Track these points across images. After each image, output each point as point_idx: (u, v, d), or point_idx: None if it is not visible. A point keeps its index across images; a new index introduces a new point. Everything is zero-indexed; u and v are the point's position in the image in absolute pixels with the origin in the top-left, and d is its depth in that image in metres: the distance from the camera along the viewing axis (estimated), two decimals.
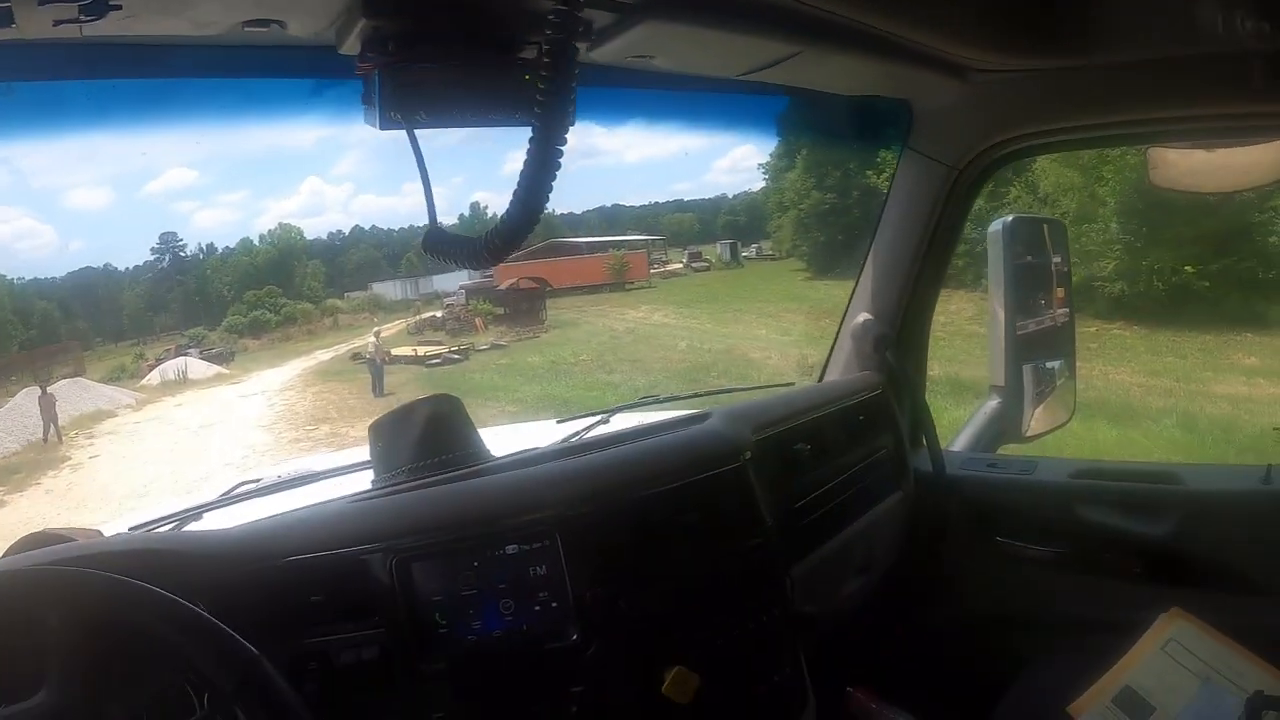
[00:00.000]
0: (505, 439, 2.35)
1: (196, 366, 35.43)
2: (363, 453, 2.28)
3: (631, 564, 1.86)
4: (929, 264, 2.90)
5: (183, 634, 1.31)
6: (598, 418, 2.52)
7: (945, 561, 2.86)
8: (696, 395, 3.55)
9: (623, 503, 1.89)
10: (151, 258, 69.72)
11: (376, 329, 30.76)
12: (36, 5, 1.10)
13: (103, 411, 29.44)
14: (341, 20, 1.41)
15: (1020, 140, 2.71)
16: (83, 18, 1.15)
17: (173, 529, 2.01)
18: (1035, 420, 3.02)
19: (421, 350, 30.22)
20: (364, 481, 2.14)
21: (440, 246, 1.57)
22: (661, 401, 2.96)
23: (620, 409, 2.64)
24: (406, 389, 24.72)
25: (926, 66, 2.22)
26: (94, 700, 1.28)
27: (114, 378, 37.10)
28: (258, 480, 2.39)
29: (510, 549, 1.75)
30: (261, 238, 72.05)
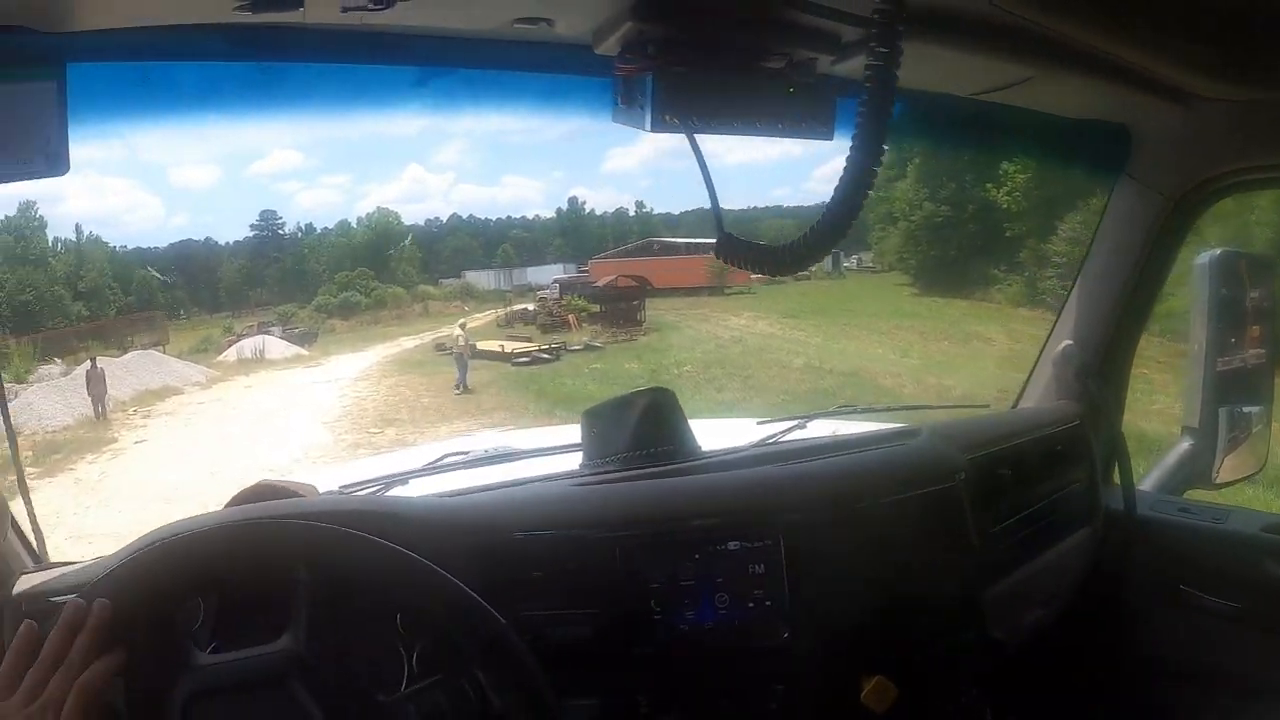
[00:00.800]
0: (701, 434, 2.20)
1: (275, 346, 33.45)
2: (548, 434, 2.78)
3: (845, 572, 1.83)
4: (1138, 295, 2.73)
5: (434, 599, 1.35)
6: (795, 422, 2.46)
7: (1126, 603, 2.67)
8: (891, 409, 3.28)
9: (843, 512, 1.86)
10: (251, 234, 70.10)
11: (463, 320, 28.10)
12: None
13: (169, 388, 27.31)
14: (606, 21, 1.43)
15: (1243, 173, 2.54)
16: (370, 6, 1.19)
17: (378, 491, 2.04)
18: (1226, 467, 2.72)
19: (509, 346, 27.34)
20: (567, 463, 2.16)
21: (737, 251, 1.54)
22: (859, 412, 2.80)
23: (817, 416, 2.57)
24: (489, 390, 22.16)
25: (1151, 92, 2.16)
26: (331, 650, 1.32)
27: (200, 349, 35.98)
28: (465, 453, 2.40)
29: (732, 545, 1.75)
30: (359, 220, 72.70)
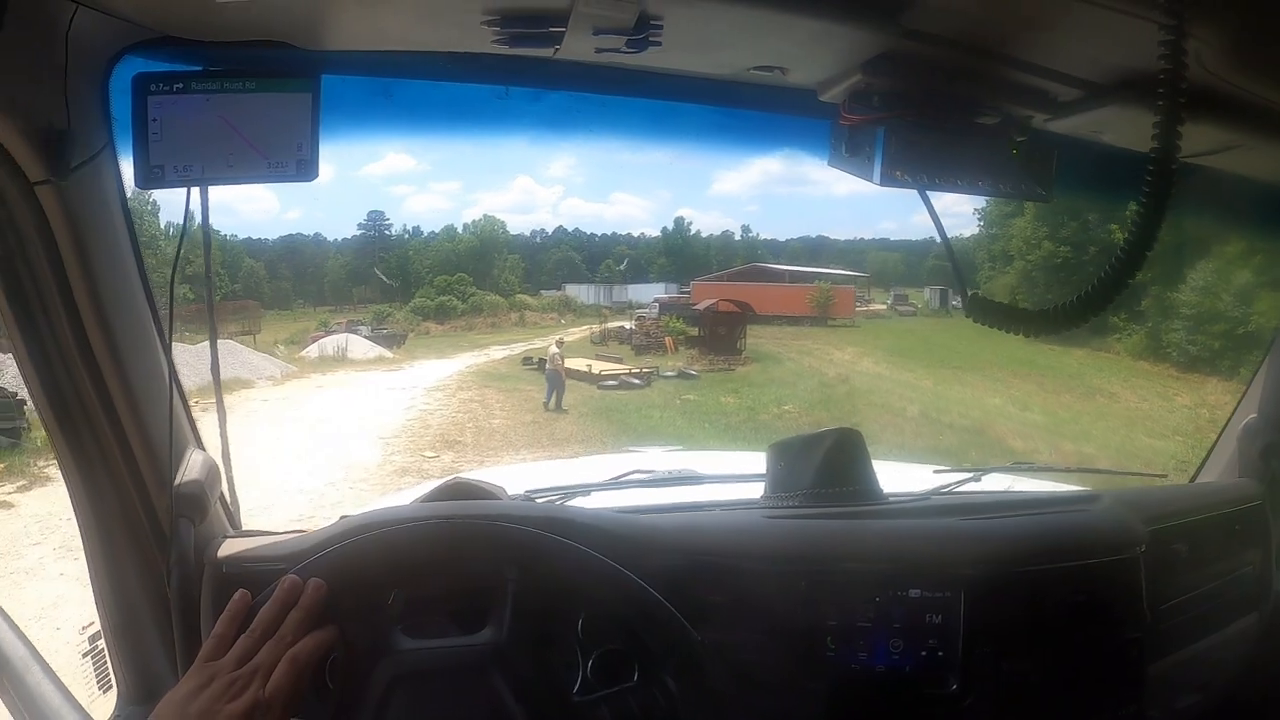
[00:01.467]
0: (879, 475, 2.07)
1: (359, 345, 31.78)
2: (727, 459, 2.95)
3: (1020, 630, 1.78)
4: None
5: (637, 612, 1.41)
6: (971, 474, 2.33)
7: None
8: (1069, 470, 2.81)
9: (1024, 572, 1.79)
10: (358, 233, 71.55)
11: (560, 338, 25.72)
12: (590, 34, 1.19)
13: (239, 380, 25.43)
14: (836, 72, 1.41)
15: None
16: (624, 49, 1.24)
17: (562, 499, 2.06)
18: None
19: (597, 367, 24.92)
20: (747, 491, 2.14)
21: (989, 312, 1.42)
22: (1036, 470, 2.78)
23: (993, 470, 2.43)
24: (567, 416, 19.83)
25: None
26: (529, 647, 1.37)
27: (291, 341, 34.88)
28: (649, 471, 2.45)
29: (913, 593, 1.72)
30: (465, 227, 73.78)
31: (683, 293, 51.23)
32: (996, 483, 2.42)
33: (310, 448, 16.71)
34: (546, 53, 1.29)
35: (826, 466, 1.94)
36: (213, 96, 1.22)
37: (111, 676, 1.57)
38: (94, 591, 1.51)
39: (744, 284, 46.83)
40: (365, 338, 32.92)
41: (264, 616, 1.23)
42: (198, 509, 1.50)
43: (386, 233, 72.06)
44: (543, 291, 65.39)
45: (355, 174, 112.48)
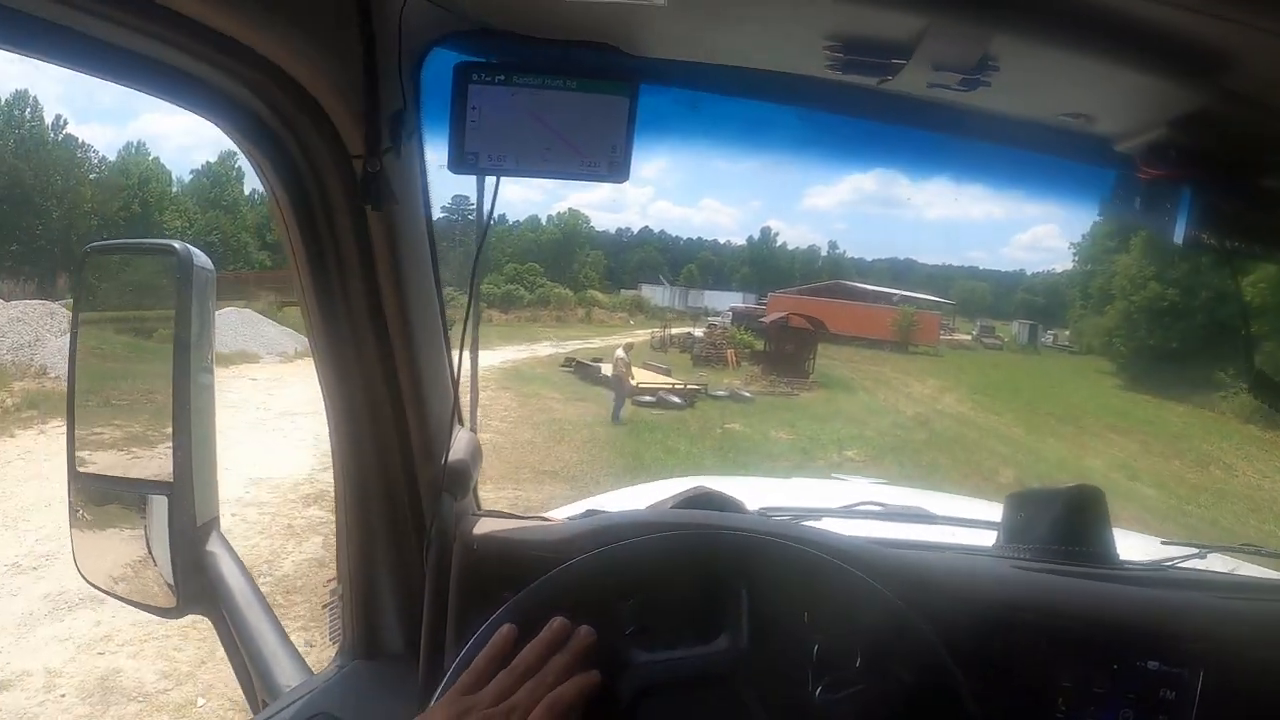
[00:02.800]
0: None
1: None
2: (958, 503, 2.60)
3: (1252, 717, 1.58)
4: None
5: (900, 638, 1.29)
6: (1195, 550, 2.02)
7: None
8: None
9: (1264, 658, 1.57)
10: (440, 215, 71.01)
11: (628, 341, 21.99)
12: (930, 69, 1.14)
13: (245, 354, 23.17)
14: (1141, 124, 1.30)
15: None
16: (956, 87, 1.18)
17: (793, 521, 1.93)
18: None
19: (638, 377, 20.81)
20: (975, 538, 2.00)
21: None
22: (1265, 555, 2.33)
23: (1218, 548, 2.08)
24: (572, 438, 15.85)
25: None
26: (768, 653, 1.26)
27: None
28: (882, 505, 2.33)
29: (1151, 664, 1.56)
30: (550, 219, 72.22)
31: (760, 303, 48.45)
32: (1222, 563, 2.09)
33: (268, 447, 13.45)
34: (870, 82, 1.23)
35: (1066, 523, 1.77)
36: (532, 91, 1.19)
37: (341, 628, 1.53)
38: (339, 548, 1.48)
39: (824, 300, 43.38)
40: None
41: (527, 656, 1.15)
42: (461, 486, 1.44)
43: (469, 217, 69.53)
44: (623, 290, 63.47)
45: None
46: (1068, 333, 47.71)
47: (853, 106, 1.36)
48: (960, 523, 2.18)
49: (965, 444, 18.29)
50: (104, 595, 1.60)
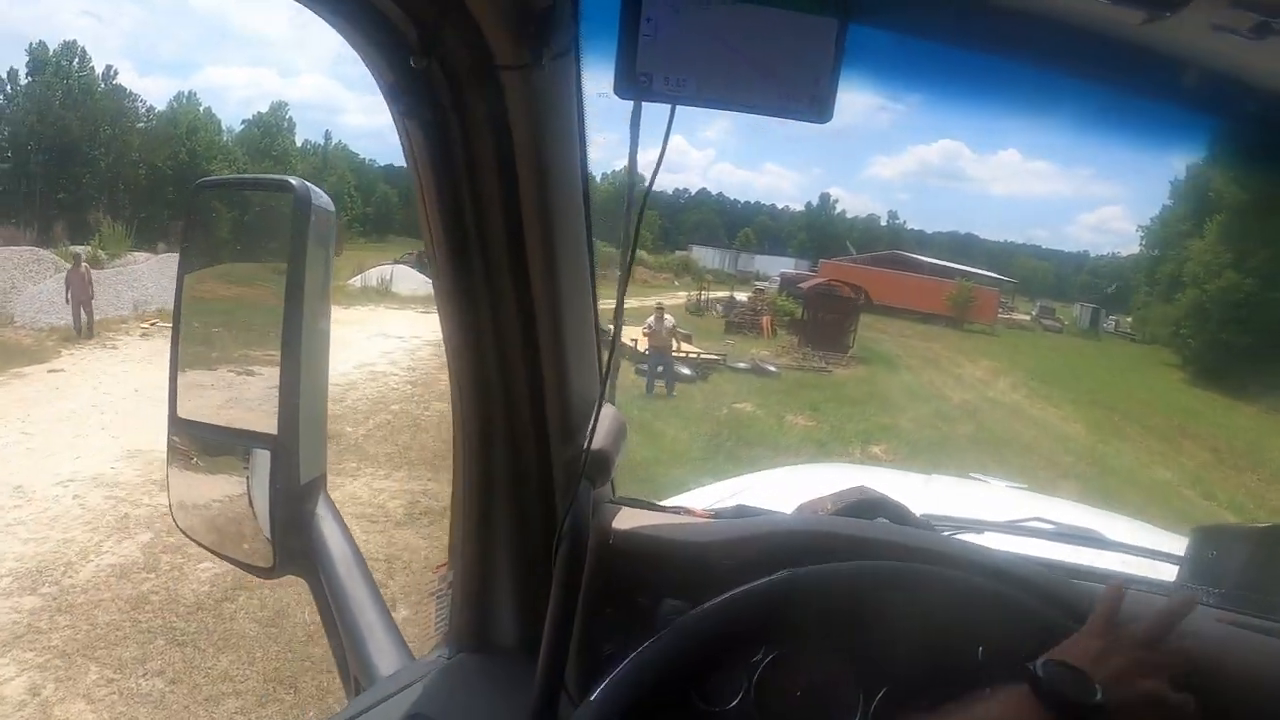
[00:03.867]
0: None
1: (408, 280, 27.17)
2: (1129, 528, 2.33)
3: None
4: None
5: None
6: None
7: None
8: None
9: None
10: None
11: (659, 302, 19.39)
12: (1226, 5, 0.87)
13: None
14: None
15: None
16: (1246, 33, 0.89)
17: (953, 532, 1.74)
18: None
19: (644, 342, 17.76)
20: (1149, 569, 1.80)
21: None
22: None
23: None
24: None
25: None
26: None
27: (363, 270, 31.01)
28: (1052, 522, 2.04)
29: None
30: (604, 176, 69.42)
31: (812, 270, 45.89)
32: None
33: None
34: (1134, 19, 0.95)
35: (1255, 568, 1.54)
36: (723, 6, 0.96)
37: (449, 617, 1.40)
38: (454, 530, 1.34)
39: (878, 270, 40.83)
40: (420, 271, 27.53)
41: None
42: (602, 472, 1.24)
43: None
44: (677, 251, 62.02)
45: None
46: (1130, 319, 44.94)
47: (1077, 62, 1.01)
48: (1135, 551, 1.93)
49: (1018, 446, 15.11)
50: (198, 548, 1.45)
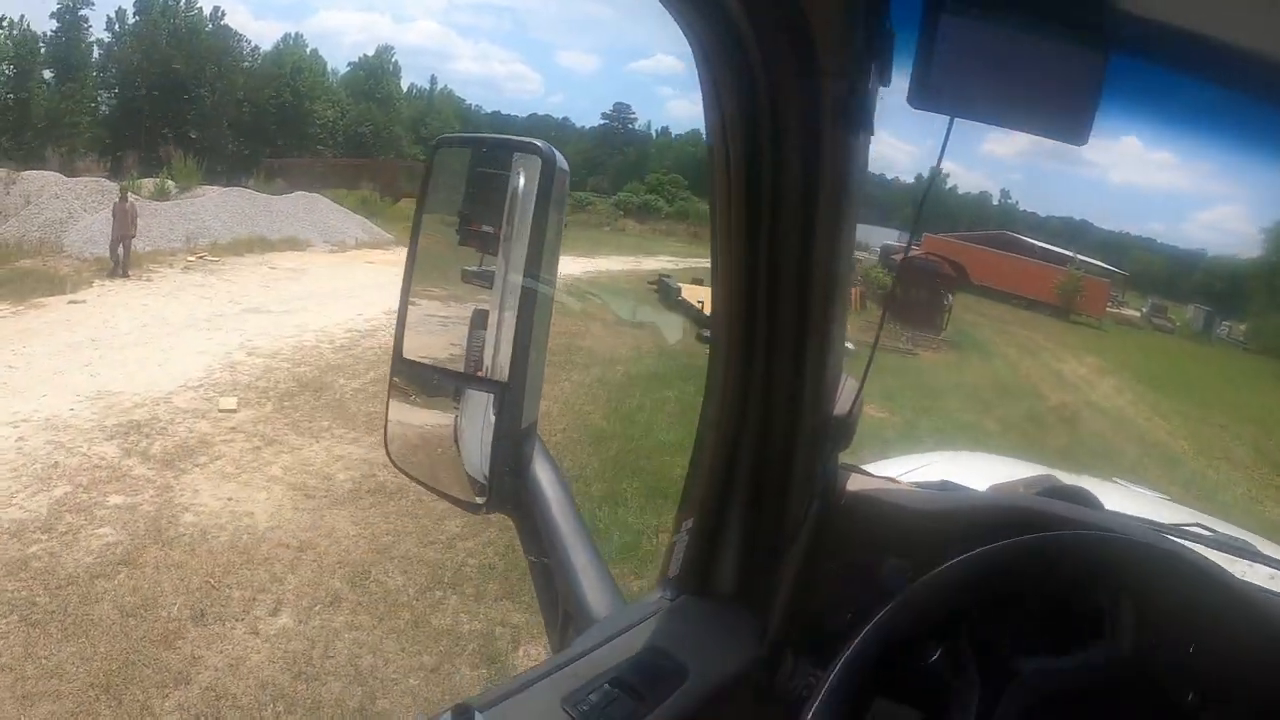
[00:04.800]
0: None
1: None
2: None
3: None
4: None
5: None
6: None
7: None
8: None
9: None
10: (600, 122, 69.44)
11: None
12: None
13: (291, 240, 20.51)
14: None
15: None
16: None
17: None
18: None
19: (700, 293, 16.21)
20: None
21: None
22: None
23: None
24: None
25: None
26: (1146, 671, 1.18)
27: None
28: (1210, 530, 1.95)
29: None
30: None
31: (915, 244, 41.98)
32: None
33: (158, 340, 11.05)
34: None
35: None
36: (1006, 30, 1.02)
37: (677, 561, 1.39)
38: (694, 476, 1.34)
39: (985, 249, 37.71)
40: None
41: None
42: (845, 438, 1.33)
43: (630, 126, 68.93)
44: None
45: (621, 68, 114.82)
46: (1244, 327, 41.45)
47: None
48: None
49: (1121, 465, 12.34)
50: (411, 483, 1.47)
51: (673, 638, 1.23)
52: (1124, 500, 2.33)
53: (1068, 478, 2.75)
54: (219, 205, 20.57)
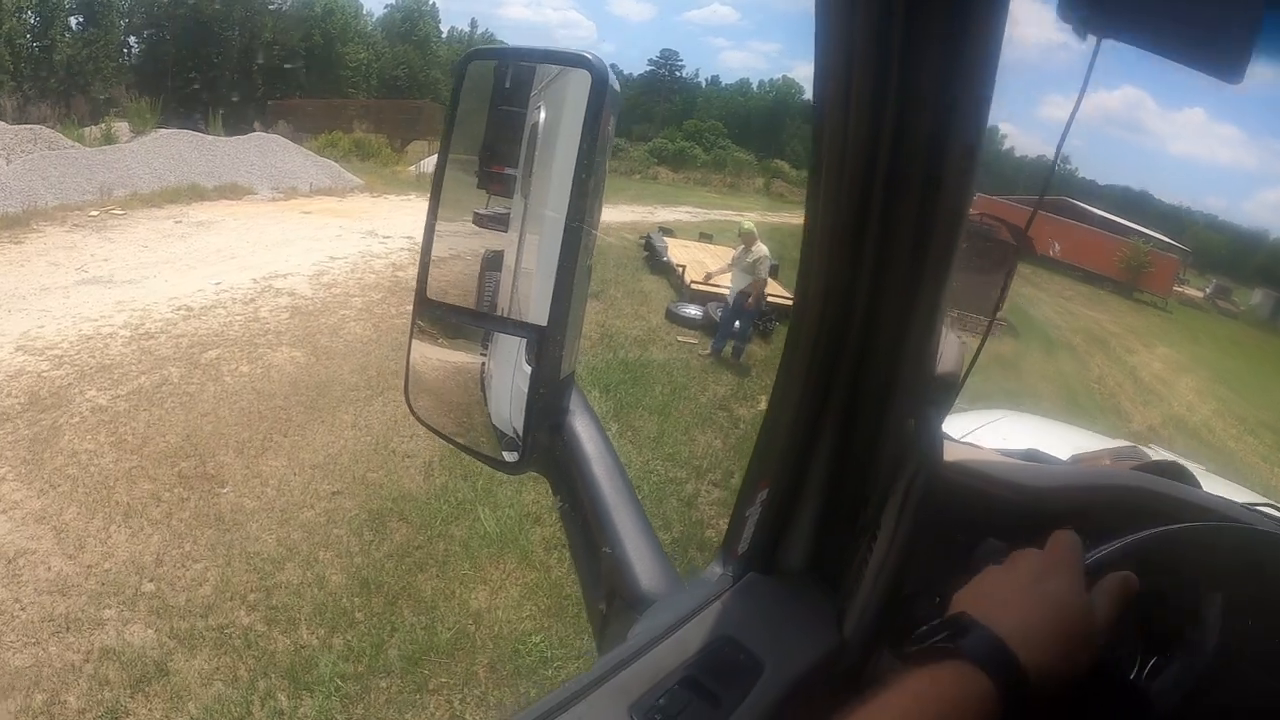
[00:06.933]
0: None
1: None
2: None
3: None
4: None
5: None
6: None
7: None
8: None
9: None
10: (648, 69, 65.71)
11: (752, 220, 13.82)
12: None
13: (230, 187, 17.37)
14: None
15: None
16: None
17: None
18: None
19: (708, 265, 12.36)
20: None
21: None
22: None
23: None
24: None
25: None
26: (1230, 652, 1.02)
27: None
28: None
29: None
30: (761, 84, 63.72)
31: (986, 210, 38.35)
32: None
33: None
34: None
35: None
36: None
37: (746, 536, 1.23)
38: (765, 445, 1.16)
39: (1045, 216, 33.15)
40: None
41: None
42: (948, 402, 1.15)
43: (678, 73, 65.26)
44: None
45: (675, 18, 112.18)
46: None
47: None
48: None
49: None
50: (435, 437, 1.32)
51: (744, 624, 1.06)
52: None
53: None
54: (153, 151, 17.53)
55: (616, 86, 1.10)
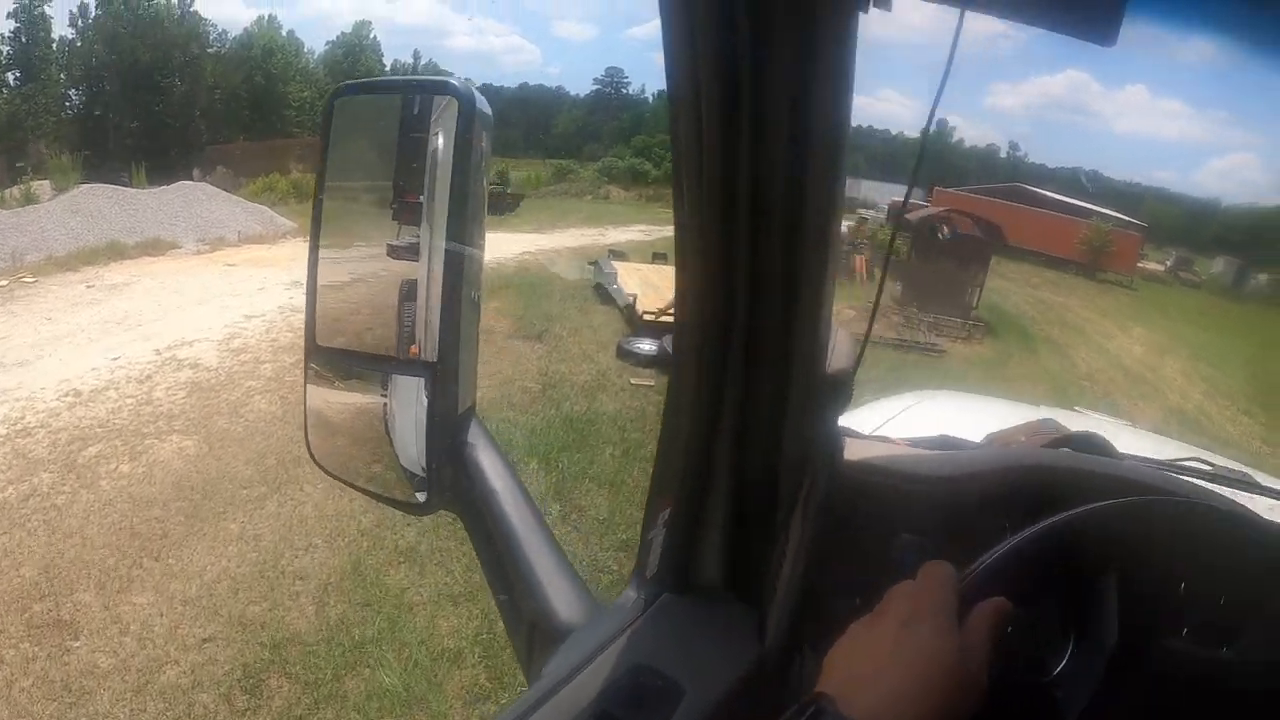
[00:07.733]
0: None
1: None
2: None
3: None
4: None
5: None
6: None
7: None
8: None
9: None
10: (593, 88, 65.57)
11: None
12: None
13: (153, 243, 16.13)
14: None
15: None
16: None
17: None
18: None
19: (642, 301, 11.21)
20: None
21: None
22: None
23: None
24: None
25: None
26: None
27: None
28: (1209, 464, 1.80)
29: None
30: None
31: (925, 201, 37.56)
32: None
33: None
34: None
35: None
36: None
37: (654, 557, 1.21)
38: (665, 463, 1.13)
39: (1000, 203, 32.76)
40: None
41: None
42: (844, 400, 1.12)
43: (624, 90, 65.86)
44: None
45: (617, 35, 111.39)
46: (1264, 278, 36.39)
47: None
48: None
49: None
50: (342, 486, 1.28)
51: (660, 649, 1.05)
52: (1114, 436, 1.78)
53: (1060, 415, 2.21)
54: (70, 210, 16.42)
55: (487, 109, 1.08)
